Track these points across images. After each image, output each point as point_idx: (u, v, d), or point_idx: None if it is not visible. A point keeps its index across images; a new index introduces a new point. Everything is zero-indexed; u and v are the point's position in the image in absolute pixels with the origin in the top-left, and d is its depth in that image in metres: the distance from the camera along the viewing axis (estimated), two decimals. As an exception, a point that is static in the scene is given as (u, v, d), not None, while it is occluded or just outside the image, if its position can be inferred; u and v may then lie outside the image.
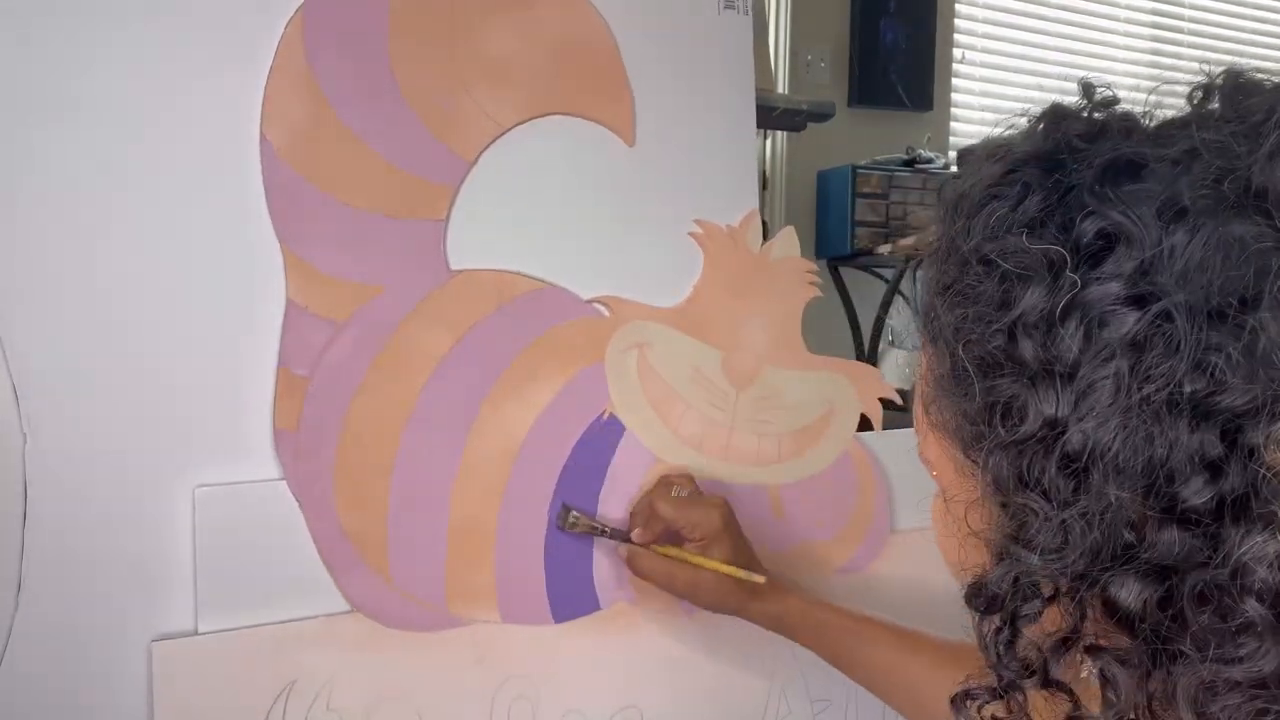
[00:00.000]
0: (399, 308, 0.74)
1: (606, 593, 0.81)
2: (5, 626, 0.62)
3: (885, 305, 2.11)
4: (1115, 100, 0.43)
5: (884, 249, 2.18)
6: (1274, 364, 0.33)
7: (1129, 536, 0.35)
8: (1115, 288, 0.35)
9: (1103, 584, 0.36)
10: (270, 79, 0.69)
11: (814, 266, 0.89)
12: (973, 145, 0.46)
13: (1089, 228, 0.36)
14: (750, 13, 0.87)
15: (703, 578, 0.75)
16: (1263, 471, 0.33)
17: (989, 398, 0.38)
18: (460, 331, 0.76)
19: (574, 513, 0.78)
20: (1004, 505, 0.39)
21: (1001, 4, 2.61)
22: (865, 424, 0.89)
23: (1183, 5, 2.88)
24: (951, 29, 2.51)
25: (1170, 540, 0.34)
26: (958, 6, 2.52)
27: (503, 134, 0.77)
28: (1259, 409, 0.33)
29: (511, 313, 0.77)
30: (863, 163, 2.22)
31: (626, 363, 0.82)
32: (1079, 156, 0.39)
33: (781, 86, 2.24)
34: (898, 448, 0.90)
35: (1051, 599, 0.38)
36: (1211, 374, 0.33)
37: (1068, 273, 0.36)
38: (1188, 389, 0.33)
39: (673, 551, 0.76)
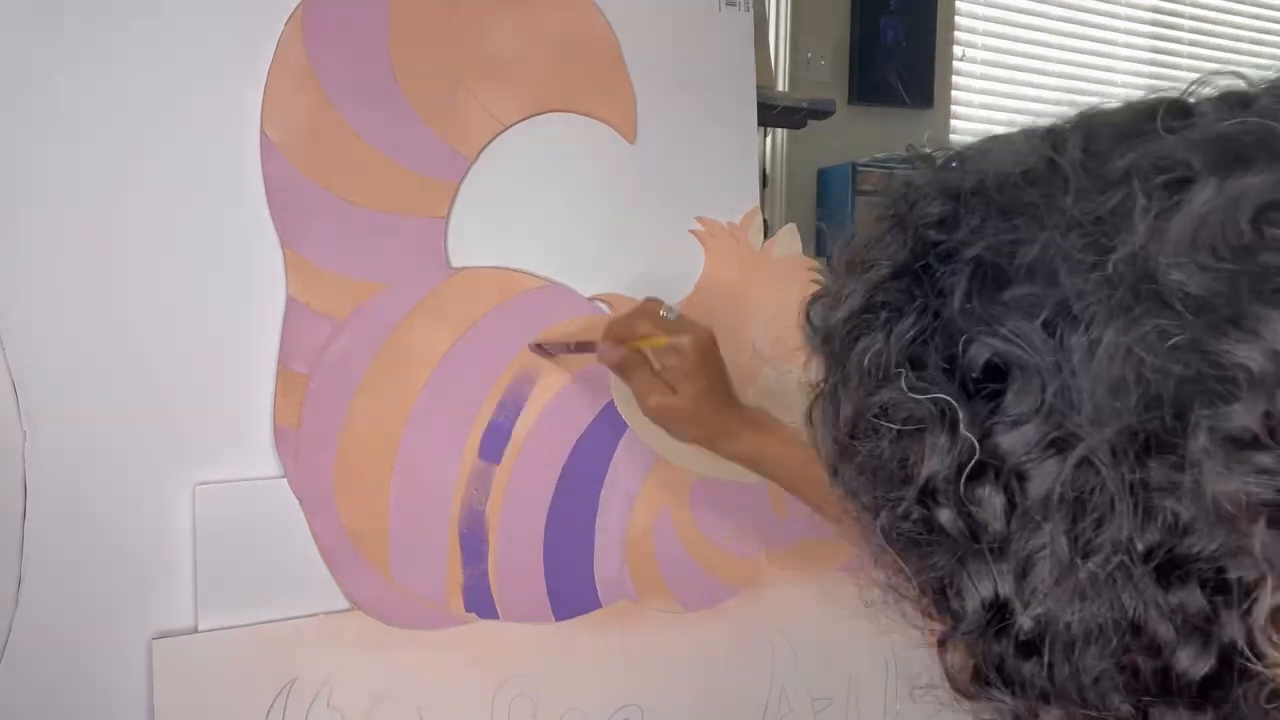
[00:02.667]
0: (399, 305, 0.73)
1: (607, 591, 0.81)
2: (5, 623, 0.62)
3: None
4: (957, 158, 0.37)
5: (884, 247, 2.18)
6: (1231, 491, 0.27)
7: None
8: (1028, 433, 0.29)
9: None
10: (270, 75, 0.69)
11: (815, 264, 0.89)
12: (834, 247, 0.41)
13: (974, 358, 0.31)
14: (751, 10, 0.87)
15: (657, 391, 0.71)
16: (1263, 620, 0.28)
17: (923, 578, 0.33)
18: (461, 329, 0.75)
19: (547, 342, 0.76)
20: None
21: (1002, 1, 2.60)
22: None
23: (1183, 3, 2.87)
24: (952, 26, 2.51)
25: None
26: (958, 4, 2.52)
27: (504, 131, 0.77)
28: (1231, 546, 0.27)
29: (512, 310, 0.77)
30: (863, 160, 2.22)
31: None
32: (941, 255, 0.33)
33: (782, 84, 2.23)
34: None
35: None
36: (1164, 521, 0.28)
37: (963, 430, 0.30)
38: (1141, 546, 0.28)
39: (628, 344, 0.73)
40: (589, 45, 0.80)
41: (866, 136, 2.33)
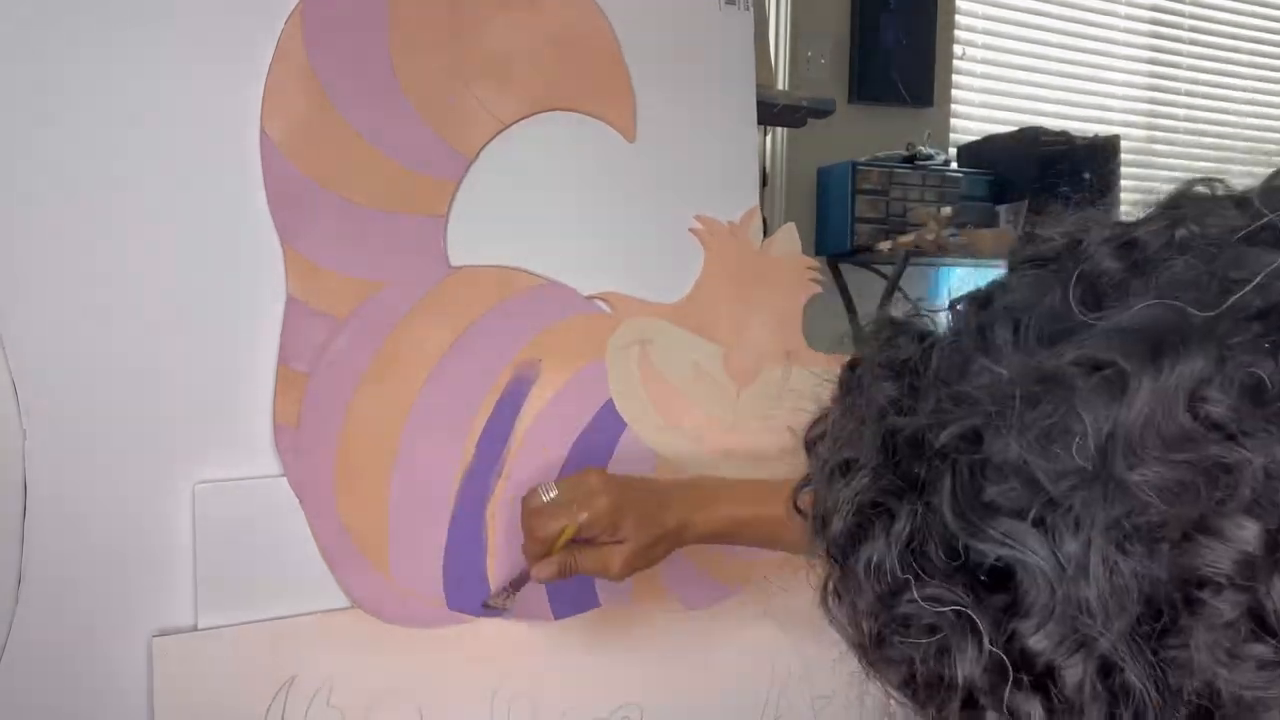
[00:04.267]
0: (399, 304, 0.73)
1: (606, 590, 0.81)
2: (6, 621, 0.62)
3: (886, 302, 2.11)
4: (897, 332, 0.37)
5: (884, 245, 2.17)
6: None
7: None
8: (1051, 634, 0.30)
9: None
10: (270, 74, 0.69)
11: (814, 263, 0.89)
12: (816, 435, 0.42)
13: (978, 561, 0.31)
14: (751, 9, 0.87)
15: (610, 554, 0.70)
16: None
17: None
18: (461, 328, 0.75)
19: (491, 600, 0.74)
20: None
21: (1002, 0, 2.60)
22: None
23: (1183, 1, 2.87)
24: (952, 25, 2.51)
25: None
26: (958, 3, 2.52)
27: (503, 130, 0.77)
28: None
29: (512, 309, 0.77)
30: (863, 159, 2.22)
31: (627, 359, 0.82)
32: (908, 441, 0.34)
33: (782, 82, 2.23)
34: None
35: None
36: (1192, 705, 0.29)
37: (988, 645, 0.31)
38: None
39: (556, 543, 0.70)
40: (589, 44, 0.80)
41: (866, 135, 2.33)
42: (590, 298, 0.81)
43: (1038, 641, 0.30)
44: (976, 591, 0.32)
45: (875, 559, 0.34)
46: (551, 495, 0.71)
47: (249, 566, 0.69)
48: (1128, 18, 2.79)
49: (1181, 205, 0.34)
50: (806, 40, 2.32)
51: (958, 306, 0.37)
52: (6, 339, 0.62)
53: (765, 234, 0.88)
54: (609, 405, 0.81)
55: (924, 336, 0.36)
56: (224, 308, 0.68)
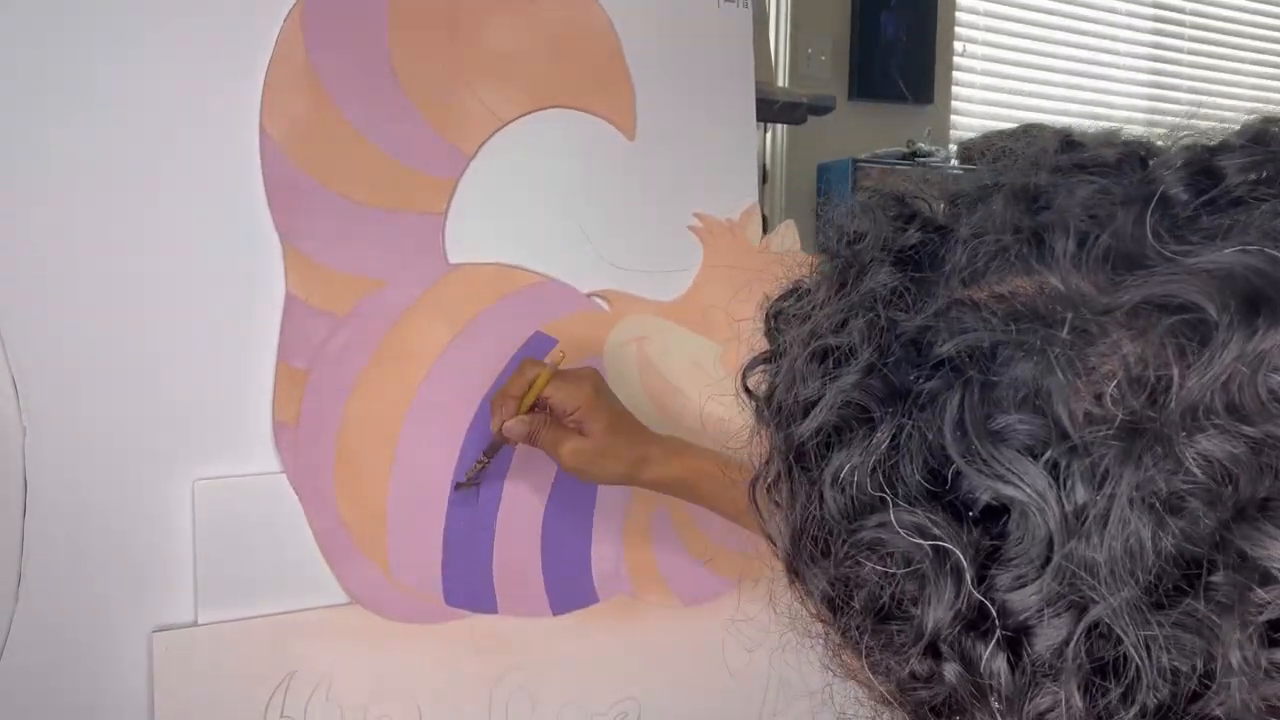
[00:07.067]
0: (398, 301, 0.74)
1: (605, 585, 0.81)
2: (6, 618, 0.63)
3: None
4: (906, 214, 0.33)
5: (884, 243, 2.18)
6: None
7: None
8: (1034, 593, 0.27)
9: None
10: (270, 72, 0.69)
11: (815, 260, 0.89)
12: (788, 308, 0.37)
13: (971, 494, 0.28)
14: (750, 6, 0.87)
15: (569, 438, 0.71)
16: None
17: (913, 698, 0.31)
18: (459, 325, 0.76)
19: (466, 476, 0.75)
20: None
21: (1003, -3, 2.60)
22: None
23: (1184, -2, 2.87)
24: (952, 22, 2.51)
25: None
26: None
27: (503, 127, 0.77)
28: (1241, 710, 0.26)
29: (510, 307, 0.77)
30: (863, 156, 2.22)
31: (626, 356, 0.82)
32: (906, 343, 0.30)
33: (782, 79, 2.23)
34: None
35: None
36: (1181, 686, 0.26)
37: (969, 586, 0.28)
38: (1153, 702, 0.26)
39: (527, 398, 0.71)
40: (588, 41, 0.80)
41: (866, 132, 2.33)
42: (589, 295, 0.81)
43: (1024, 596, 0.27)
44: (960, 528, 0.28)
45: (845, 470, 0.30)
46: (545, 363, 0.72)
47: (249, 563, 0.69)
48: (1129, 14, 2.79)
49: (1264, 140, 0.30)
50: (806, 37, 2.32)
51: (991, 203, 0.32)
52: (6, 336, 0.62)
53: (765, 231, 0.88)
54: (608, 402, 0.81)
55: (940, 229, 0.32)
56: (224, 305, 0.68)
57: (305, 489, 0.70)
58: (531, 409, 0.72)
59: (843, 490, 0.30)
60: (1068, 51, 2.69)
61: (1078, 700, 0.27)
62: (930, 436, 0.29)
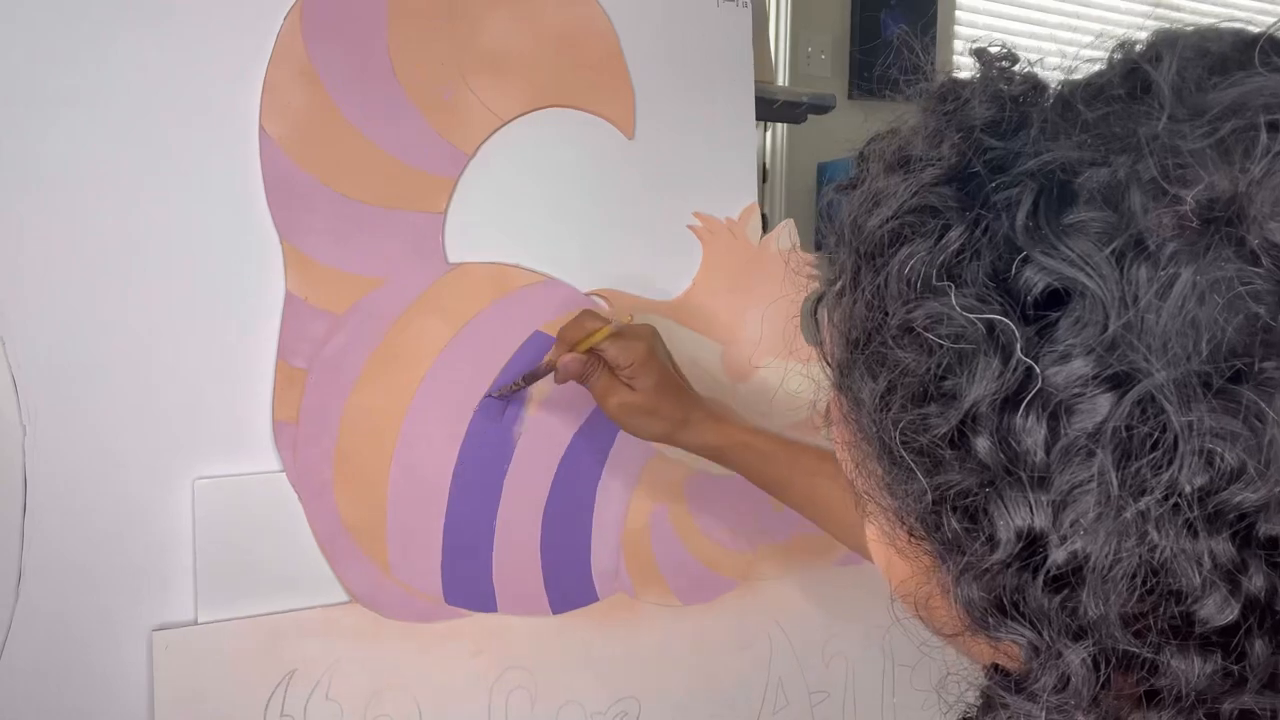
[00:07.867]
0: (398, 300, 0.74)
1: (604, 584, 0.81)
2: (6, 617, 0.63)
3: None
4: (1016, 66, 0.35)
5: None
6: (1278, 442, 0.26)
7: (1144, 657, 0.29)
8: (1081, 367, 0.28)
9: None
10: (269, 70, 0.69)
11: (814, 259, 0.89)
12: (878, 144, 0.37)
13: (1033, 282, 0.29)
14: (750, 5, 0.87)
15: (618, 391, 0.73)
16: None
17: (938, 494, 0.32)
18: (459, 324, 0.76)
19: (500, 389, 0.77)
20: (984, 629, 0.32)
21: (1002, -4, 2.60)
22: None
23: (1184, -2, 2.87)
24: (952, 21, 2.51)
25: (1192, 669, 0.28)
26: (959, -2, 2.52)
27: (502, 126, 0.77)
28: (1274, 499, 0.27)
29: (510, 306, 0.77)
30: (863, 155, 2.22)
31: (625, 355, 0.82)
32: (992, 164, 0.31)
33: (782, 78, 2.23)
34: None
35: None
36: (1220, 469, 0.27)
37: (1019, 354, 0.28)
38: (1188, 488, 0.27)
39: (582, 344, 0.73)
40: (588, 40, 0.80)
41: (867, 131, 2.34)
42: (588, 294, 0.81)
43: (1068, 371, 0.28)
44: (1015, 311, 0.29)
45: (914, 262, 0.31)
46: (606, 310, 0.74)
47: (248, 562, 0.69)
48: (1129, 14, 2.79)
49: None
50: (807, 36, 2.32)
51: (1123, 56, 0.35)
52: (6, 335, 0.62)
53: (764, 230, 0.88)
54: (607, 401, 0.81)
55: (1040, 87, 0.34)
56: (223, 304, 0.68)
57: (305, 488, 0.70)
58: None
59: (908, 282, 0.31)
60: (1068, 50, 2.69)
61: (1112, 475, 0.27)
62: (1001, 233, 0.30)
